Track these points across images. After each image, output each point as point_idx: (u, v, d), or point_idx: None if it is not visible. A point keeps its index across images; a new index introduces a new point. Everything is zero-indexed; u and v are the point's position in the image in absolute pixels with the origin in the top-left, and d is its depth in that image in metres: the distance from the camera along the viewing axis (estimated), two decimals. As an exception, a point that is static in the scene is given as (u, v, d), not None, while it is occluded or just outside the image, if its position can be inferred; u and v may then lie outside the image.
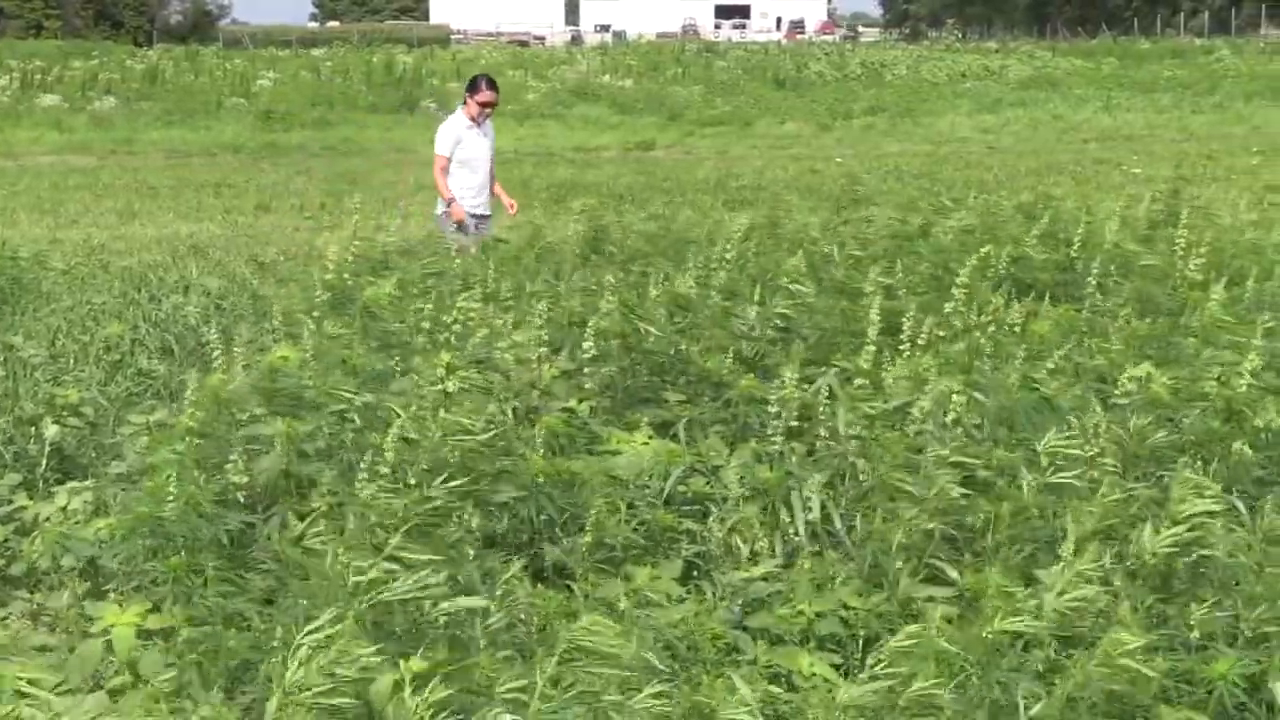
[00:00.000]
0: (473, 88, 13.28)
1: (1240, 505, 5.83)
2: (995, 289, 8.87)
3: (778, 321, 8.05)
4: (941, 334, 7.74)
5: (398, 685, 4.18)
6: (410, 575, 4.71)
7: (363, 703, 4.19)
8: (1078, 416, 6.36)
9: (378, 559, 4.75)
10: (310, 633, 4.24)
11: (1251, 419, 6.36)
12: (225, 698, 4.66)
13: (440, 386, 6.16)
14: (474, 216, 13.07)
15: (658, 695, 4.40)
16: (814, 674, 5.04)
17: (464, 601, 4.82)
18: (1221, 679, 4.58)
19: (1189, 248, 9.52)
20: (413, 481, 5.58)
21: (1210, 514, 5.21)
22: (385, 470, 5.54)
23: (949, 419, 6.44)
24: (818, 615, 5.40)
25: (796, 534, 6.04)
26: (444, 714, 4.12)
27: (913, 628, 4.66)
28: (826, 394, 6.65)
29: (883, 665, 4.57)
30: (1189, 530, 5.15)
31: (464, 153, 13.12)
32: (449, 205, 12.96)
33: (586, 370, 7.39)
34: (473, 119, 13.12)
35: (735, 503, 6.18)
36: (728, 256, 9.14)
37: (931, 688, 4.33)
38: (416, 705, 4.09)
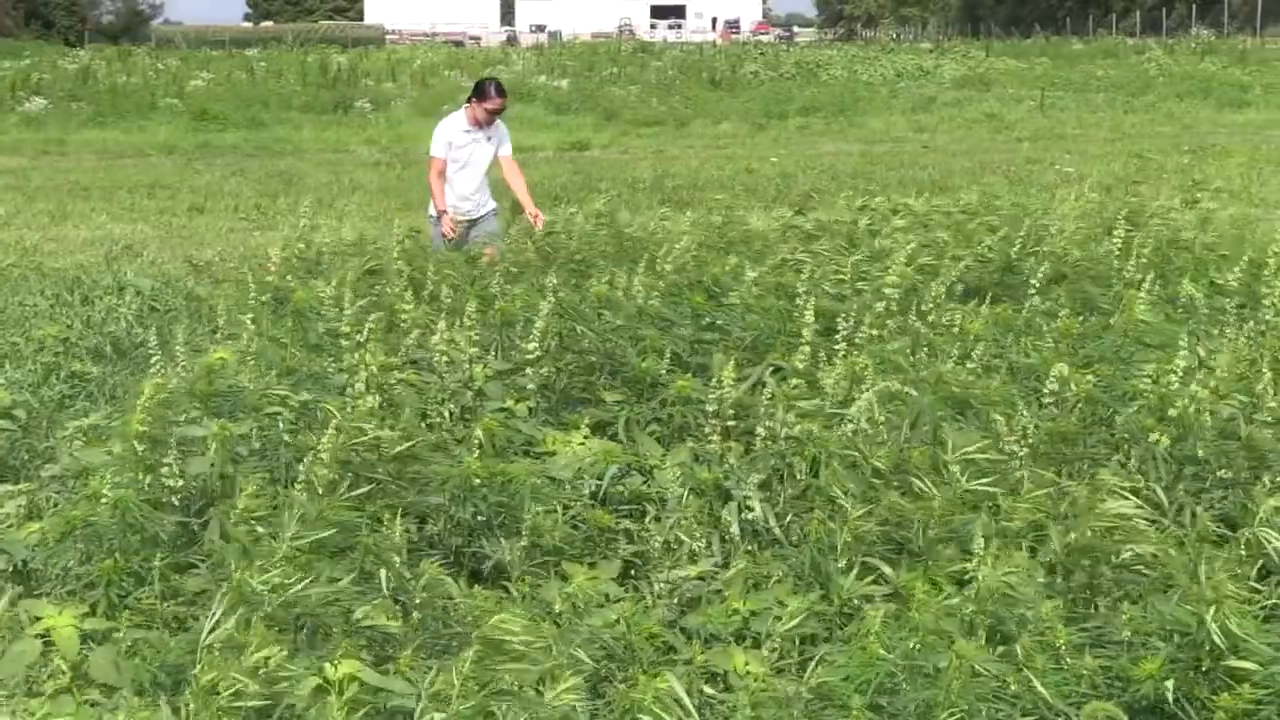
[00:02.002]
0: (480, 93, 12.80)
1: (1162, 494, 5.92)
2: (947, 291, 8.90)
3: (716, 321, 8.06)
4: (875, 333, 7.78)
5: (321, 689, 4.17)
6: (317, 576, 4.72)
7: (279, 704, 4.19)
8: (1007, 415, 6.41)
9: (285, 560, 4.75)
10: (212, 632, 4.23)
11: (1185, 417, 6.40)
12: (161, 700, 4.64)
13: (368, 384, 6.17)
14: (461, 222, 12.73)
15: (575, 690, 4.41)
16: (749, 673, 5.05)
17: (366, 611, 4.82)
18: (1150, 678, 4.62)
19: (1126, 247, 9.58)
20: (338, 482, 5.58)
21: (1126, 514, 5.27)
22: (322, 471, 5.53)
23: (876, 417, 6.47)
24: (753, 614, 5.42)
25: (734, 533, 6.05)
26: (361, 714, 4.13)
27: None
28: (764, 393, 6.67)
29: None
30: (1107, 529, 5.20)
31: (456, 155, 12.79)
32: (439, 217, 12.65)
33: (529, 371, 7.39)
34: (475, 122, 12.77)
35: (673, 502, 6.19)
36: (669, 258, 9.13)
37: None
38: (338, 707, 4.09)
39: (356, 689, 4.18)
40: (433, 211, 12.87)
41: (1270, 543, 5.30)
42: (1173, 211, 12.18)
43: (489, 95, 12.71)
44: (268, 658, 4.19)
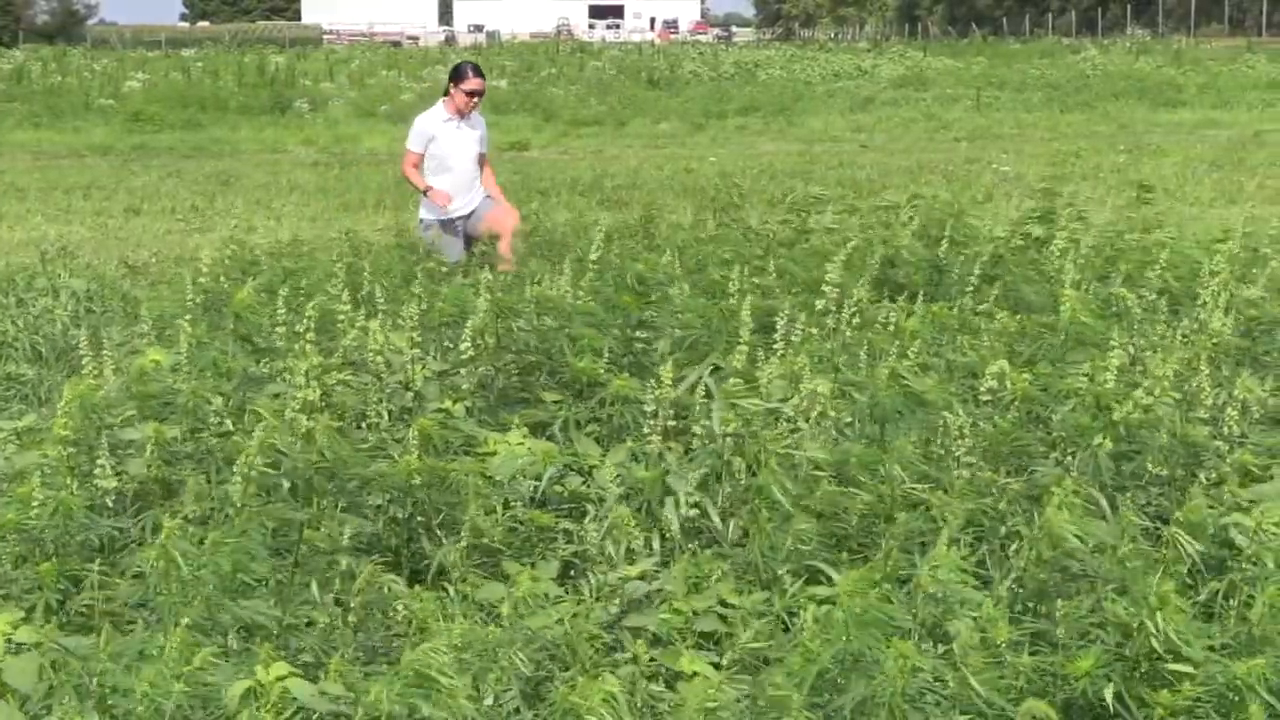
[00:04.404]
0: (457, 76, 12.32)
1: (1104, 501, 5.95)
2: (873, 289, 8.94)
3: (651, 321, 8.07)
4: (813, 331, 7.80)
5: (252, 692, 4.15)
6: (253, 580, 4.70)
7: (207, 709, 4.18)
8: (946, 413, 6.43)
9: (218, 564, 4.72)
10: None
11: (1118, 414, 6.44)
12: (95, 709, 4.60)
13: (306, 390, 6.14)
14: (450, 220, 12.25)
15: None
16: (693, 673, 5.05)
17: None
18: (1085, 676, 4.64)
19: (1065, 247, 9.62)
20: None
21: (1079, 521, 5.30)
22: (253, 474, 5.50)
23: (818, 416, 6.49)
24: (695, 613, 5.41)
25: (673, 532, 6.05)
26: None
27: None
28: (703, 392, 6.67)
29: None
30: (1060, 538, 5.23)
31: (437, 149, 12.28)
32: (426, 193, 12.16)
33: (464, 371, 7.37)
34: (457, 112, 12.28)
35: (612, 502, 6.19)
36: (594, 258, 9.12)
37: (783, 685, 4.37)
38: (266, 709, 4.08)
39: (284, 692, 4.16)
40: (422, 215, 12.45)
41: (1187, 545, 5.34)
42: (1107, 209, 12.27)
43: (466, 76, 12.27)
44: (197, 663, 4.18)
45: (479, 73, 12.39)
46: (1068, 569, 5.25)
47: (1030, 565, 5.24)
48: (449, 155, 12.31)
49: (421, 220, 12.47)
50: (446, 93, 12.44)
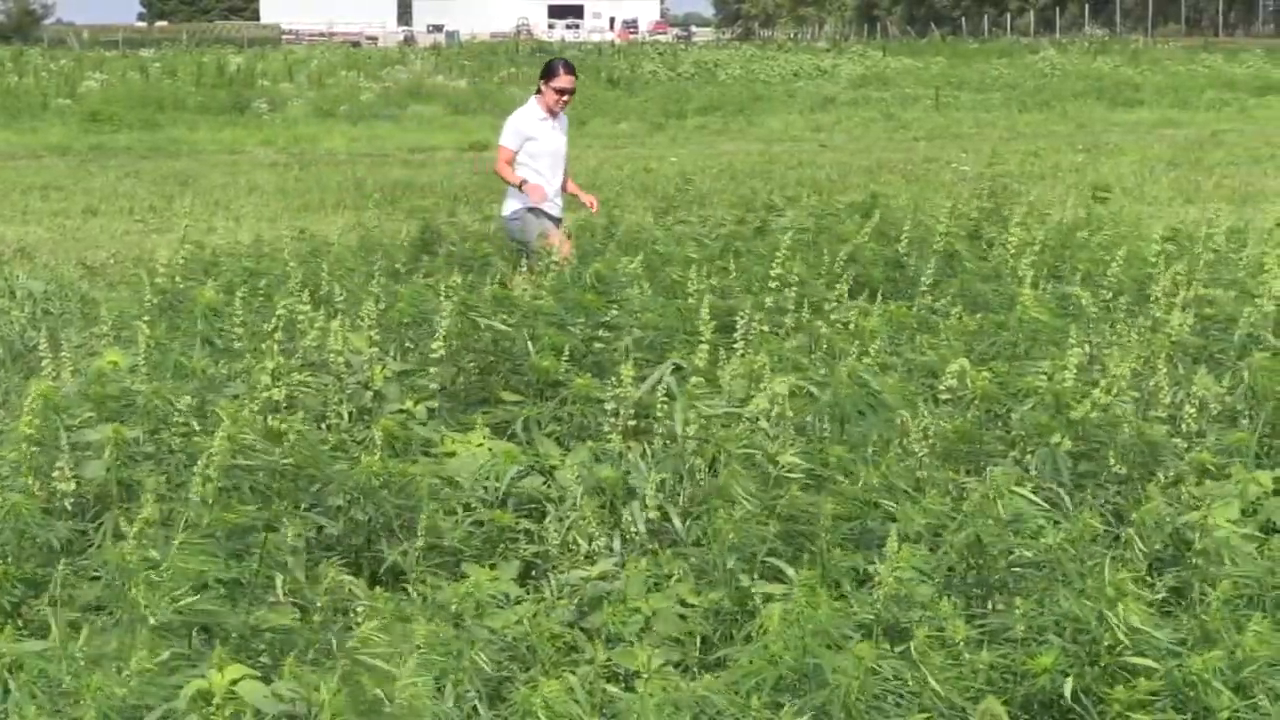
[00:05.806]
0: (549, 73, 11.96)
1: (1066, 499, 5.97)
2: (830, 287, 8.96)
3: (612, 320, 8.07)
4: (772, 329, 7.81)
5: (203, 694, 4.14)
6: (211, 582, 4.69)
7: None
8: (907, 412, 6.44)
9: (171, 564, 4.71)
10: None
11: (1075, 412, 6.46)
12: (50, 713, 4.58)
13: (268, 391, 6.13)
14: (541, 212, 11.81)
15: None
16: (653, 672, 5.05)
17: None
18: (1045, 672, 4.66)
19: (1020, 246, 9.66)
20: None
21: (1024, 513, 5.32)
22: (213, 475, 5.49)
23: (778, 415, 6.50)
24: (655, 613, 5.41)
25: (635, 533, 6.06)
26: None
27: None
28: (664, 392, 6.68)
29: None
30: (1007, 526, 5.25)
31: (533, 148, 11.93)
32: (521, 187, 11.63)
33: (432, 370, 7.36)
34: (549, 109, 11.97)
35: (573, 502, 6.19)
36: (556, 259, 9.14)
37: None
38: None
39: (233, 696, 4.15)
40: (514, 208, 11.93)
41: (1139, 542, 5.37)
42: (1065, 209, 12.33)
43: (558, 73, 11.90)
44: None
45: (571, 70, 12.06)
46: (1020, 565, 5.28)
47: (983, 560, 5.27)
48: (544, 155, 12.04)
49: (513, 213, 12.00)
50: (538, 90, 12.10)
